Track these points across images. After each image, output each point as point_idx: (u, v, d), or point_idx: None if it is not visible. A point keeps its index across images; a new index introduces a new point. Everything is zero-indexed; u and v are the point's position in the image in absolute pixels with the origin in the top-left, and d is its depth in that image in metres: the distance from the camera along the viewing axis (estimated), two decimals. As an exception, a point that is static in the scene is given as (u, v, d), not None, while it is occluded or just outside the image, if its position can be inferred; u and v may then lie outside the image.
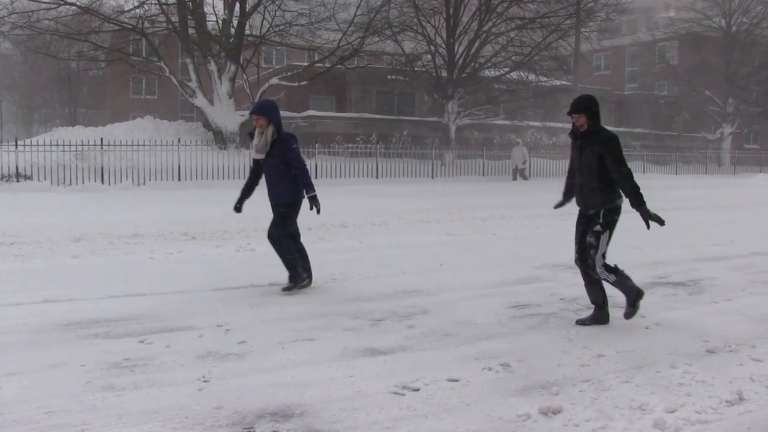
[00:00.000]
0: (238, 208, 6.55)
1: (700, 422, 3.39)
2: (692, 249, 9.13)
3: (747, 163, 36.12)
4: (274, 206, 6.37)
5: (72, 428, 3.25)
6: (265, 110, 6.24)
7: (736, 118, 37.32)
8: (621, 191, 5.13)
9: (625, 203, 5.20)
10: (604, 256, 5.18)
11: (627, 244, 9.34)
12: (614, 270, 5.18)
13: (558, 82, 28.42)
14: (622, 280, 5.19)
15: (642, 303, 5.91)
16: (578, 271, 7.32)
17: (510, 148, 27.03)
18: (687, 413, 3.48)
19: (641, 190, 5.09)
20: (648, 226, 5.08)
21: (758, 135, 41.69)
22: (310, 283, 6.52)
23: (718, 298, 6.20)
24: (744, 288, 6.66)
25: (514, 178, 25.60)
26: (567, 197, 5.64)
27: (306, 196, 6.30)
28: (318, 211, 6.31)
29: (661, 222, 4.97)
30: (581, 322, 5.23)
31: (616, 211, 5.20)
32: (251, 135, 6.38)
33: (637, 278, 6.95)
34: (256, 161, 6.46)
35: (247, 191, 6.57)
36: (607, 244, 5.18)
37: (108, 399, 3.62)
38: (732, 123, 37.30)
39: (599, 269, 5.16)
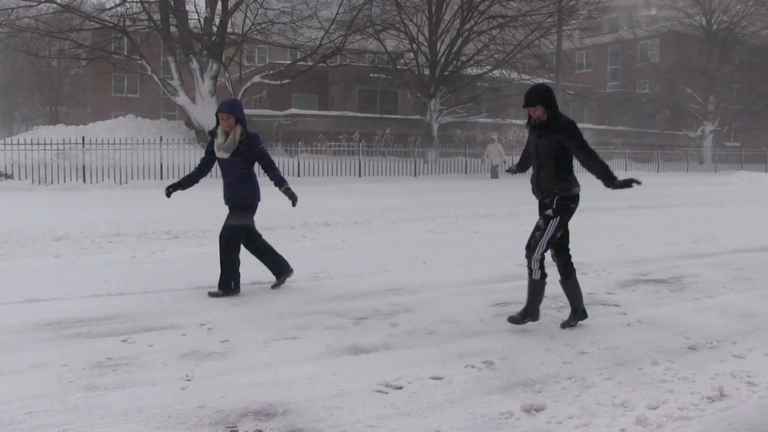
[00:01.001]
0: (169, 192, 6.42)
1: (682, 418, 3.42)
2: (674, 246, 9.20)
3: (728, 161, 36.33)
4: (231, 208, 6.30)
5: (54, 428, 3.24)
6: (234, 109, 6.19)
7: (717, 116, 37.54)
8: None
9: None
10: (548, 246, 4.98)
11: (609, 242, 9.47)
12: (544, 273, 5.01)
13: (540, 80, 28.52)
14: (539, 288, 5.04)
15: (624, 300, 5.99)
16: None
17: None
18: (669, 410, 3.51)
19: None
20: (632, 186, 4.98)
21: (739, 133, 42.01)
22: (291, 273, 6.51)
23: (700, 295, 6.25)
24: (725, 285, 6.71)
25: (493, 176, 25.46)
26: (520, 169, 5.65)
27: (280, 190, 6.28)
28: (295, 202, 6.29)
29: (638, 182, 4.90)
30: (566, 325, 5.15)
31: (573, 200, 5.04)
32: (212, 133, 6.27)
33: (619, 275, 7.09)
34: (208, 158, 6.36)
35: (186, 182, 6.47)
36: (556, 231, 4.97)
37: (90, 399, 3.60)
38: (713, 121, 37.52)
39: (537, 255, 4.96)
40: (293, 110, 28.81)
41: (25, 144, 19.94)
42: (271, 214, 12.30)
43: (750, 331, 5.05)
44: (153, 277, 6.86)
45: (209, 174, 6.60)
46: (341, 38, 25.62)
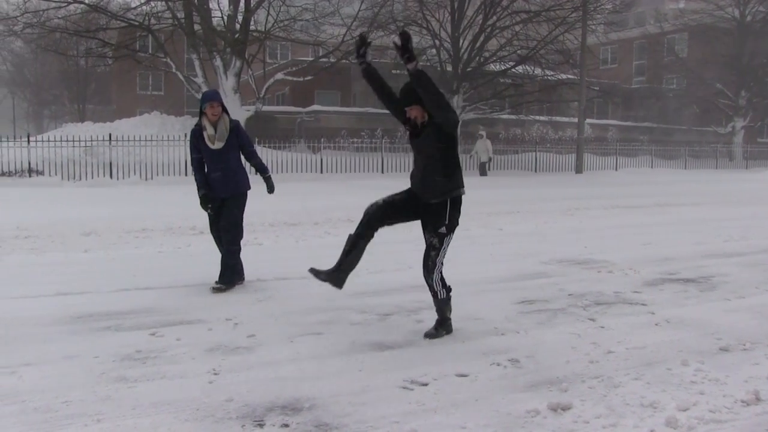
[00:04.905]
0: (208, 206, 6.24)
1: (715, 422, 3.32)
2: (702, 245, 9.01)
3: (760, 158, 35.51)
4: (233, 198, 6.20)
5: (88, 418, 3.31)
6: (220, 97, 6.28)
7: (749, 111, 36.68)
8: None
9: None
10: (443, 264, 4.73)
11: (635, 240, 9.37)
12: (448, 288, 4.78)
13: (564, 76, 28.36)
14: (446, 303, 4.77)
15: (651, 299, 5.90)
16: (587, 266, 7.38)
17: (518, 143, 26.83)
18: (700, 412, 3.41)
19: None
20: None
21: (773, 129, 41.13)
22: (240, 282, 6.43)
23: (731, 296, 6.07)
24: (758, 285, 6.51)
25: (482, 173, 24.76)
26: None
27: (263, 176, 6.36)
28: (271, 191, 6.40)
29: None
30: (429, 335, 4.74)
31: (458, 208, 4.72)
32: (199, 126, 6.18)
33: (646, 274, 7.00)
34: (198, 156, 6.24)
35: (207, 184, 6.30)
36: (447, 246, 4.72)
37: (121, 390, 3.67)
38: (744, 116, 36.65)
39: (436, 276, 4.70)
40: (316, 107, 28.92)
41: (55, 141, 20.27)
42: (293, 211, 12.41)
43: (786, 333, 4.86)
44: (179, 271, 6.93)
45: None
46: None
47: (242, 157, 6.34)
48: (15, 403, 3.52)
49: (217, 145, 6.15)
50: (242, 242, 6.39)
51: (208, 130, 6.14)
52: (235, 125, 6.24)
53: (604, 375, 3.96)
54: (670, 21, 39.13)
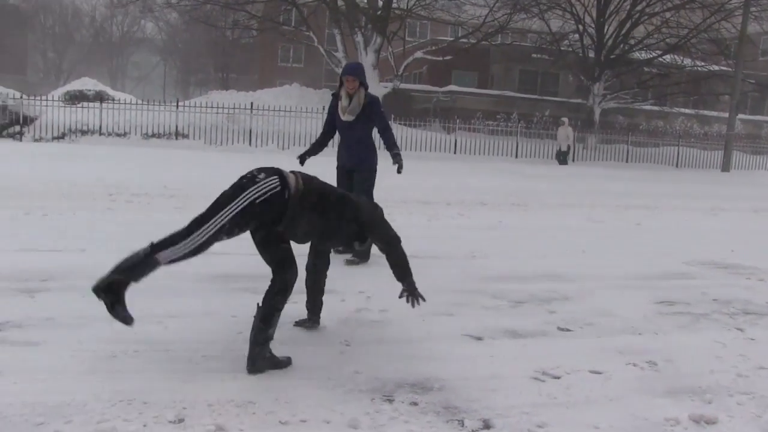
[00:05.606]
0: (302, 160, 6.45)
1: None
2: None
3: None
4: (359, 172, 6.30)
5: (225, 374, 3.44)
6: (360, 72, 6.21)
7: None
8: None
9: None
10: None
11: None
12: None
13: (716, 67, 26.58)
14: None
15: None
16: (733, 271, 6.89)
17: (660, 136, 25.50)
18: None
19: None
20: None
21: None
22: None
23: None
24: None
25: (561, 162, 23.19)
26: None
27: (390, 153, 6.25)
28: (400, 169, 6.26)
29: None
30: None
31: None
32: (335, 96, 6.31)
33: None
34: (330, 123, 6.42)
35: (317, 147, 6.51)
36: None
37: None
38: None
39: None
40: (452, 87, 28.76)
41: (201, 107, 21.32)
42: (426, 190, 12.41)
43: None
44: (313, 241, 7.06)
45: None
46: (506, 17, 25.13)
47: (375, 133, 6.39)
48: (162, 350, 3.73)
49: (347, 117, 6.21)
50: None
51: (343, 101, 6.22)
52: (370, 101, 6.21)
53: (756, 393, 3.64)
54: None
